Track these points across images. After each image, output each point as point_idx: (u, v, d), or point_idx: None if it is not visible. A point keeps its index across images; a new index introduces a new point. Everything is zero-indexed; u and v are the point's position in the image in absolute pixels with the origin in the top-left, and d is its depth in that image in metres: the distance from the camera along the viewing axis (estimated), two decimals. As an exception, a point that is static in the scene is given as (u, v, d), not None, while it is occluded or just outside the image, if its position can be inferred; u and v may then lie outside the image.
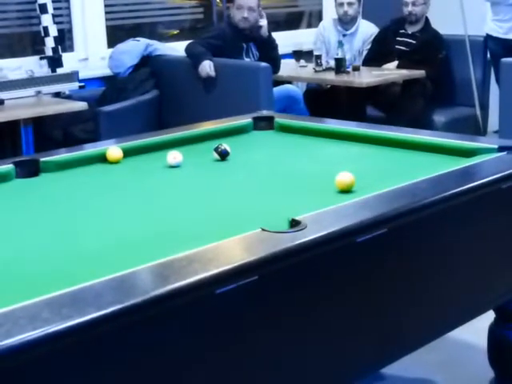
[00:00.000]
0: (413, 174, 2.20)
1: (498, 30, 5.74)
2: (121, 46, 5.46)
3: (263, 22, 5.41)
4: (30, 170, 2.51)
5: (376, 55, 5.86)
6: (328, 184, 2.21)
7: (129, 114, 5.08)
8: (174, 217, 2.08)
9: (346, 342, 1.90)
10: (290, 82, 5.87)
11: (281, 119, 3.11)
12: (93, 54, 5.49)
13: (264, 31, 5.43)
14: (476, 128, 5.80)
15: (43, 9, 5.04)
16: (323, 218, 1.88)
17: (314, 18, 7.04)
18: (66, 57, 5.20)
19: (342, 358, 1.91)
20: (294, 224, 1.80)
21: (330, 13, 6.51)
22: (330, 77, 5.56)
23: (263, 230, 1.76)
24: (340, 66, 5.51)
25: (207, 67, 5.12)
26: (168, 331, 1.49)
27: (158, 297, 1.45)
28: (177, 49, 5.64)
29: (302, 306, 1.76)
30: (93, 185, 2.46)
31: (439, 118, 5.68)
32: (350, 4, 5.87)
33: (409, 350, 2.15)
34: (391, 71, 5.64)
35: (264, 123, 3.09)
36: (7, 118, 4.40)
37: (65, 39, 5.46)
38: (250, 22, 5.33)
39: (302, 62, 5.96)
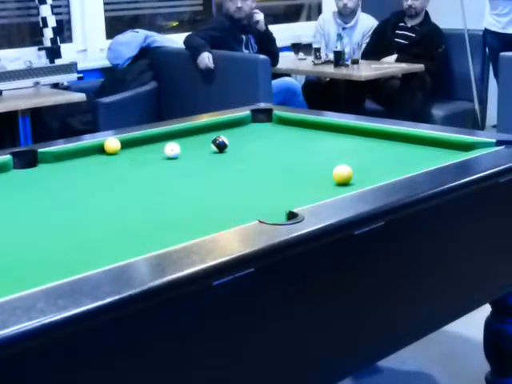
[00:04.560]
0: (411, 168, 2.20)
1: (496, 24, 5.74)
2: (120, 38, 5.45)
3: (260, 17, 5.41)
4: (27, 160, 2.50)
5: (375, 48, 5.86)
6: (326, 177, 2.21)
7: (127, 106, 5.08)
8: (171, 209, 2.08)
9: (343, 334, 1.90)
10: (288, 75, 5.86)
11: (279, 112, 3.11)
12: (91, 45, 5.49)
13: (261, 26, 5.43)
14: (474, 122, 5.81)
15: (42, -1, 5.04)
16: (321, 211, 1.88)
17: (314, 11, 7.03)
18: (64, 48, 5.20)
19: (340, 349, 1.92)
20: (292, 216, 1.80)
21: (329, 5, 6.51)
22: (329, 70, 5.56)
23: (261, 222, 1.76)
24: (339, 58, 5.51)
25: (206, 59, 5.12)
26: (165, 322, 1.49)
27: (156, 288, 1.44)
28: (176, 40, 5.63)
29: (299, 298, 1.76)
30: (91, 176, 2.45)
31: (438, 111, 5.68)
32: (349, -3, 5.88)
33: (406, 342, 2.15)
34: (390, 65, 5.64)
35: (262, 115, 3.09)
36: (5, 108, 4.40)
37: (63, 30, 5.45)
38: (244, 11, 5.34)
39: (301, 54, 5.96)
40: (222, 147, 2.63)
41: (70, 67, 4.98)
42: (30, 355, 1.30)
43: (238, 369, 1.66)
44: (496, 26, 5.74)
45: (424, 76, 5.63)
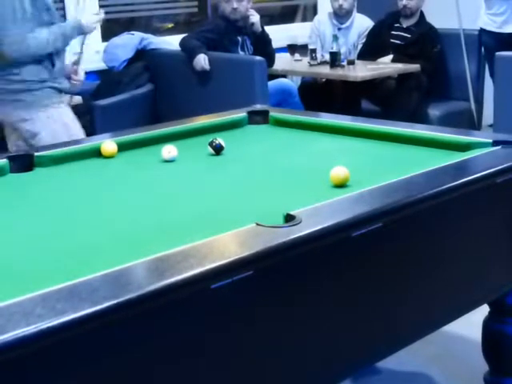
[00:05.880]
0: (408, 168, 2.20)
1: (492, 23, 5.75)
2: (115, 40, 5.45)
3: (255, 19, 5.41)
4: (24, 164, 2.50)
5: (371, 49, 5.87)
6: (323, 178, 2.21)
7: (123, 108, 5.08)
8: (168, 211, 2.08)
9: (341, 335, 1.90)
10: (284, 76, 5.87)
11: (275, 113, 3.11)
12: (87, 48, 5.47)
13: (257, 27, 5.43)
14: (470, 122, 5.82)
15: (37, 2, 5.02)
16: (318, 213, 1.88)
17: (309, 12, 7.04)
18: (60, 50, 5.18)
19: (339, 351, 1.92)
20: (289, 219, 1.80)
21: (325, 6, 6.52)
22: (325, 71, 5.57)
23: (258, 224, 1.76)
24: (335, 59, 5.51)
25: (202, 61, 5.12)
26: (163, 326, 1.49)
27: (154, 292, 1.44)
28: (171, 42, 5.63)
29: (298, 300, 1.76)
30: (87, 179, 2.45)
31: (434, 111, 5.69)
32: (344, -3, 5.89)
33: (404, 343, 2.16)
34: (386, 65, 5.64)
35: (259, 117, 3.09)
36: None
37: (59, 33, 5.43)
38: (240, 12, 5.34)
39: (297, 55, 5.97)
40: (218, 149, 2.63)
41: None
42: (28, 360, 1.29)
43: (237, 371, 1.66)
44: (492, 26, 5.74)
45: (420, 76, 5.63)
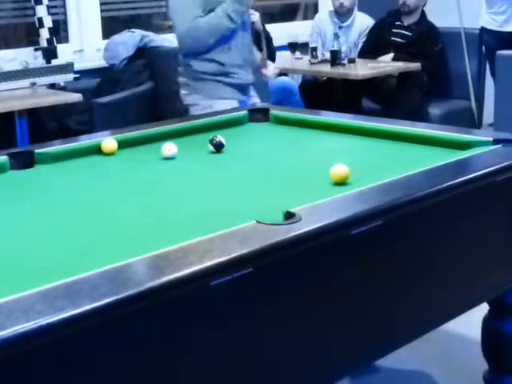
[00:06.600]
0: (408, 167, 2.20)
1: (493, 22, 5.75)
2: (116, 38, 5.44)
3: (255, 18, 5.41)
4: (24, 161, 2.50)
5: (372, 47, 5.87)
6: (323, 176, 2.21)
7: (124, 106, 5.07)
8: (168, 209, 2.08)
9: (341, 332, 1.91)
10: (285, 74, 5.86)
11: (276, 111, 3.11)
12: (88, 46, 5.48)
13: (258, 26, 5.42)
14: (471, 121, 5.82)
15: (38, 0, 5.03)
16: (318, 211, 1.88)
17: (310, 10, 7.03)
18: (60, 48, 5.19)
19: (339, 348, 1.92)
20: (289, 216, 1.80)
21: (325, 5, 6.51)
22: (326, 69, 5.57)
23: (258, 222, 1.76)
24: (335, 58, 5.51)
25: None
26: (163, 323, 1.49)
27: (153, 288, 1.45)
28: (172, 40, 5.61)
29: (297, 297, 1.76)
30: (88, 176, 2.45)
31: (434, 110, 5.69)
32: (345, -4, 5.88)
33: (404, 341, 2.16)
34: (387, 63, 5.64)
35: (259, 115, 3.09)
36: (2, 109, 4.39)
37: (60, 30, 5.44)
38: None
39: (298, 54, 5.97)
40: (219, 147, 2.62)
41: (67, 67, 4.97)
42: (28, 357, 1.30)
43: (236, 367, 1.66)
44: (492, 25, 5.74)
45: (420, 75, 5.63)
